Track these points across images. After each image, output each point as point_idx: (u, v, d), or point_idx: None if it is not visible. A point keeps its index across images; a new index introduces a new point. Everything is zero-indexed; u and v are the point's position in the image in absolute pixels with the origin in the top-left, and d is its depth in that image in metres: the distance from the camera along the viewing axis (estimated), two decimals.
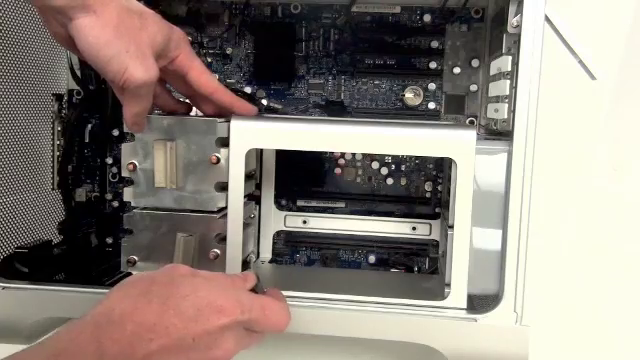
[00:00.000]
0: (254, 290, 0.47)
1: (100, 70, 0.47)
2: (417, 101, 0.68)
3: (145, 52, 0.47)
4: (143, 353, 0.40)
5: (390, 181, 0.70)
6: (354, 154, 0.70)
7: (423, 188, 0.70)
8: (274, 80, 0.70)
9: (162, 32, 0.49)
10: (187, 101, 0.58)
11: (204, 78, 0.54)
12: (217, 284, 0.45)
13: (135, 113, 0.50)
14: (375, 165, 0.70)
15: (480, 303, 0.55)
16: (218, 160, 0.54)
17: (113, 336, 0.40)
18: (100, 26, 0.45)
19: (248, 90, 0.70)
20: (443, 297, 0.53)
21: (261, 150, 0.66)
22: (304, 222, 0.70)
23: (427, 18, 0.68)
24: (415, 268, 0.70)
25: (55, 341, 0.40)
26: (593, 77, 0.51)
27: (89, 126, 0.70)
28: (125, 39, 0.45)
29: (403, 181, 0.70)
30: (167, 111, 0.57)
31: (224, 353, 0.43)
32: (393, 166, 0.70)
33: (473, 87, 0.68)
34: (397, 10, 0.68)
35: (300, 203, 0.71)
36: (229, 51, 0.70)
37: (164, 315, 0.41)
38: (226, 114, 0.56)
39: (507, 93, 0.53)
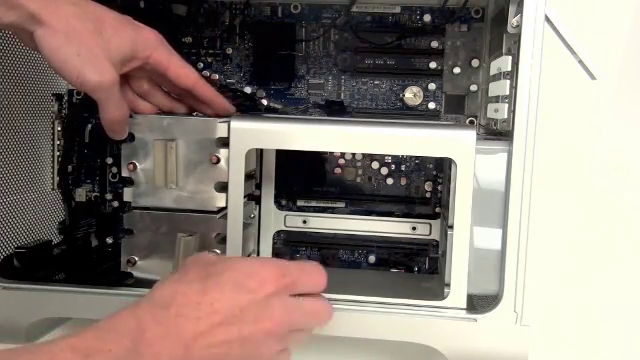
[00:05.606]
0: None
1: (61, 76, 0.47)
2: (417, 101, 0.68)
3: (98, 55, 0.47)
4: (192, 333, 0.40)
5: (390, 181, 0.70)
6: (354, 154, 0.70)
7: (423, 188, 0.70)
8: (274, 80, 0.70)
9: (122, 34, 0.49)
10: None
11: (183, 72, 0.54)
12: (249, 258, 0.45)
13: (108, 120, 0.50)
14: (375, 165, 0.70)
15: (480, 303, 0.55)
16: (218, 160, 0.54)
17: (156, 317, 0.40)
18: (51, 34, 0.46)
19: (248, 90, 0.70)
20: (443, 297, 0.53)
21: (261, 150, 0.66)
22: (304, 222, 0.70)
23: (427, 18, 0.68)
24: (415, 268, 0.70)
25: (96, 323, 0.40)
26: (593, 77, 0.51)
27: (89, 126, 0.70)
28: (75, 43, 0.46)
29: (403, 181, 0.70)
30: (165, 110, 0.57)
31: (274, 324, 0.43)
32: (393, 166, 0.70)
33: (473, 87, 0.67)
34: (397, 10, 0.68)
35: (300, 203, 0.71)
36: (229, 51, 0.70)
37: (207, 293, 0.41)
38: (210, 112, 0.56)
39: (507, 93, 0.53)
